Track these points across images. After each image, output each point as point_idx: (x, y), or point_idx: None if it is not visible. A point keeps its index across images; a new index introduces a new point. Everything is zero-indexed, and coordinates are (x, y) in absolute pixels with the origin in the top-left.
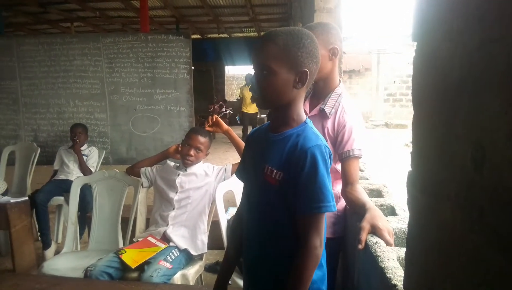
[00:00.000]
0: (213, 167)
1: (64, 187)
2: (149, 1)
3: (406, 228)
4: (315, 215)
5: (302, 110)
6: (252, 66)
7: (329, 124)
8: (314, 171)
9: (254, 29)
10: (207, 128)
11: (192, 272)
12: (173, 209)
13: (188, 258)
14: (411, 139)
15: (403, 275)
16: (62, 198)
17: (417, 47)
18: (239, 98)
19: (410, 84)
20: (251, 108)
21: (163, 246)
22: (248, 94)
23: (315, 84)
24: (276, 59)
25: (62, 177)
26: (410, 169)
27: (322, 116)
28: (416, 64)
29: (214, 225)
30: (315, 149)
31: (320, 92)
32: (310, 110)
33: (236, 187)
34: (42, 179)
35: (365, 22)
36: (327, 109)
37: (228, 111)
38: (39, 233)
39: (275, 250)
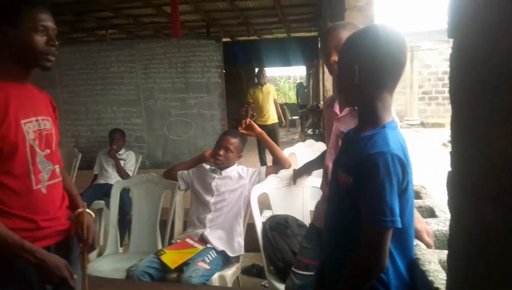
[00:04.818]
0: (247, 169)
1: (103, 191)
2: (180, 6)
3: (447, 230)
4: (370, 226)
5: (386, 112)
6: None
7: None
8: (372, 180)
9: (283, 30)
10: (241, 131)
11: (230, 273)
12: (210, 211)
13: (225, 260)
14: (448, 138)
15: (445, 278)
16: (103, 202)
17: (453, 44)
18: (248, 102)
19: (446, 81)
20: (269, 118)
21: (201, 247)
22: (263, 97)
23: None
24: (342, 57)
25: (101, 181)
26: (450, 169)
27: (353, 114)
28: (453, 61)
29: (250, 228)
30: (377, 156)
31: None
32: (341, 111)
33: (271, 189)
34: (84, 184)
35: (398, 19)
36: None
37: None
38: None
39: (345, 253)
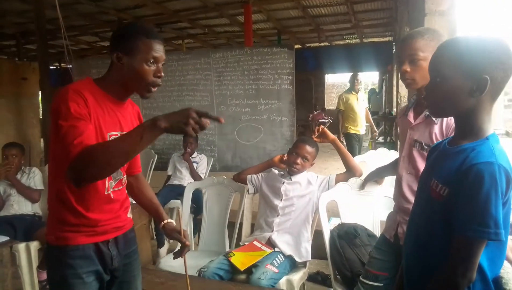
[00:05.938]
0: (317, 176)
1: (177, 191)
2: (252, 15)
3: None
4: (466, 238)
5: (489, 124)
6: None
7: (436, 129)
8: (476, 190)
9: (356, 36)
10: (314, 139)
11: (297, 278)
12: (278, 215)
13: (292, 265)
14: None
15: None
16: (178, 201)
17: None
18: (339, 109)
19: None
20: (361, 127)
21: (268, 250)
22: (358, 104)
23: (419, 91)
24: (451, 64)
25: (175, 182)
26: None
27: (428, 123)
28: None
29: (317, 235)
30: (483, 166)
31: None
32: (415, 119)
33: (340, 197)
34: (157, 183)
35: (481, 22)
36: None
37: (327, 120)
38: (155, 233)
39: (429, 265)
